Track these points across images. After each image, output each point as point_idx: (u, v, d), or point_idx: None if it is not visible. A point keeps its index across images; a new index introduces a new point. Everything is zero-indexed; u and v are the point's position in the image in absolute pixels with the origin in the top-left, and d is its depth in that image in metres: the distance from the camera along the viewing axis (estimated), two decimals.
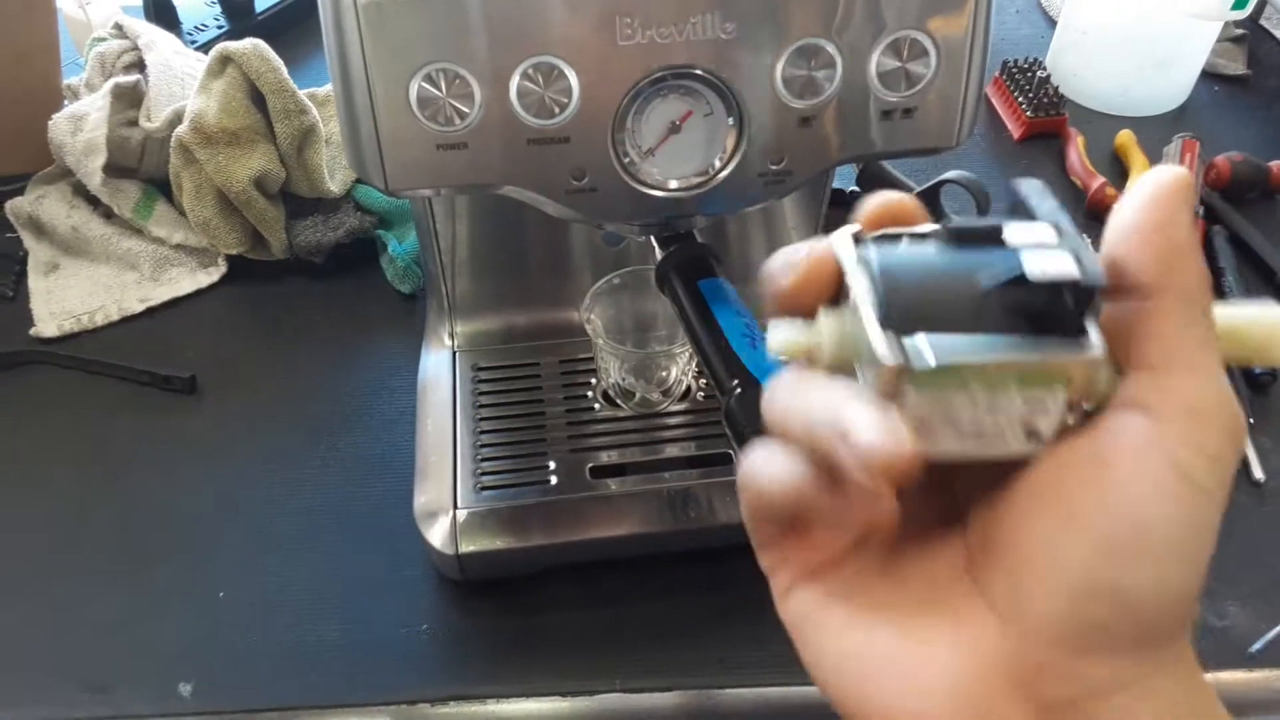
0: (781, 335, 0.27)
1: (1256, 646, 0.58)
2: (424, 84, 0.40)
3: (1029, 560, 0.26)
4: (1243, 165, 0.86)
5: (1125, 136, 0.92)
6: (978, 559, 0.27)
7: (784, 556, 0.30)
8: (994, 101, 1.00)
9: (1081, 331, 0.25)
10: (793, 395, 0.27)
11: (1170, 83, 0.99)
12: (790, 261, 0.28)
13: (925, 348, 0.24)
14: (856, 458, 0.23)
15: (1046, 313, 0.25)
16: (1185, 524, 0.24)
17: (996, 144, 0.96)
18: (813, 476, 0.26)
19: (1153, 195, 0.25)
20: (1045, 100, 0.94)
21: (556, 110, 0.41)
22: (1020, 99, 0.96)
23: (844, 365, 0.26)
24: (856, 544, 0.29)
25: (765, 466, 0.27)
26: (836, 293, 0.27)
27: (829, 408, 0.25)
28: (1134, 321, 0.25)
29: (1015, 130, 0.96)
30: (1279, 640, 0.58)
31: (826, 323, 0.26)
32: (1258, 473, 0.66)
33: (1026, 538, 0.26)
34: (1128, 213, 0.25)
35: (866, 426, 0.23)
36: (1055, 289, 0.24)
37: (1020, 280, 0.24)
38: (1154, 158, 0.90)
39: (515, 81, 0.40)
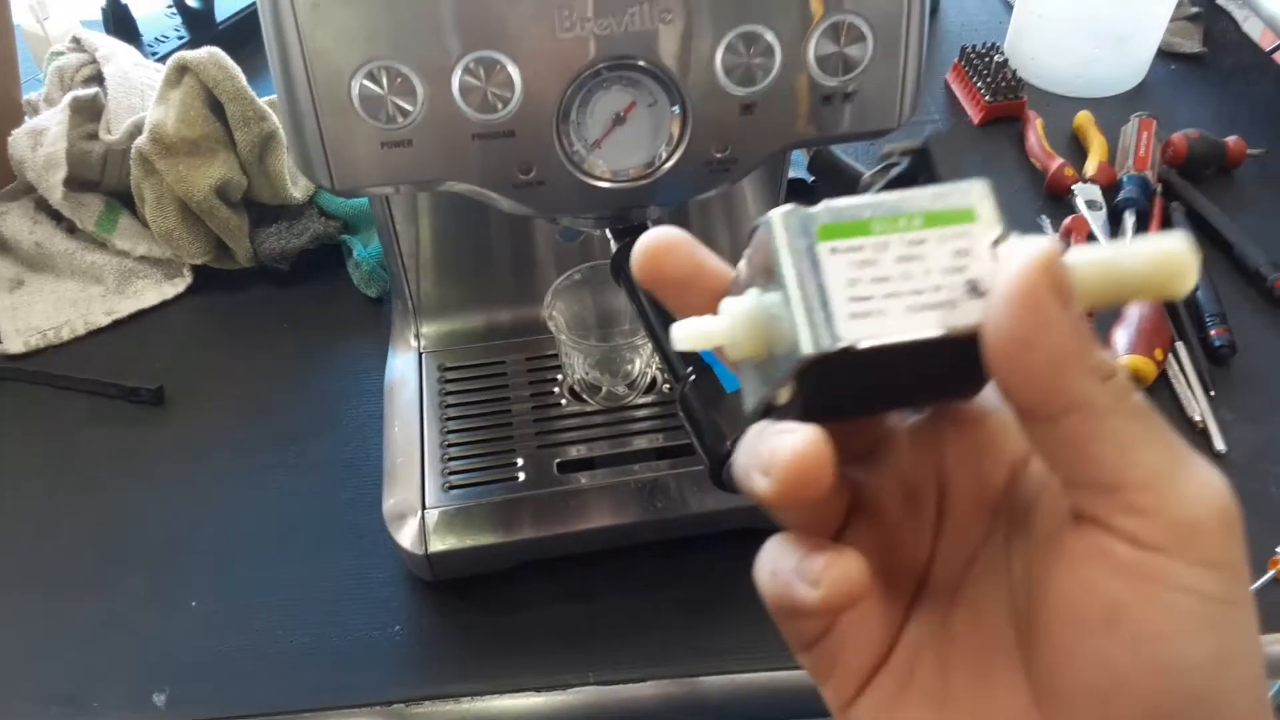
0: (687, 329, 0.26)
1: None
2: (366, 82, 0.40)
3: (1074, 711, 0.24)
4: (1199, 142, 0.87)
5: (1083, 117, 0.93)
6: (1025, 643, 0.26)
7: (828, 658, 0.28)
8: (954, 88, 1.01)
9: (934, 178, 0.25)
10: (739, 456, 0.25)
11: (1127, 62, 1.00)
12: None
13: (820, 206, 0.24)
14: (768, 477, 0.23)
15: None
16: (1223, 648, 0.22)
17: (957, 129, 0.96)
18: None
19: (1009, 303, 0.21)
20: (1003, 84, 0.95)
21: (500, 105, 0.41)
22: (979, 84, 0.96)
23: (757, 346, 0.25)
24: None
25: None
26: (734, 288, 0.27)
27: (749, 449, 0.24)
28: (1064, 448, 0.22)
29: (975, 115, 0.96)
30: None
31: (729, 305, 0.26)
32: (1219, 444, 0.67)
33: (1072, 680, 0.24)
34: (991, 332, 0.22)
35: (777, 447, 0.23)
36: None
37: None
38: (1112, 137, 0.91)
39: (457, 77, 0.41)
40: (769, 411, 0.26)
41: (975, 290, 0.23)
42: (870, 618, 0.27)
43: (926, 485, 0.28)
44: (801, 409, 0.24)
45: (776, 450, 0.23)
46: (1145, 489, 0.22)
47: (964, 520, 0.27)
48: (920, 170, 0.27)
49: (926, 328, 0.23)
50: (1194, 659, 0.22)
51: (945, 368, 0.25)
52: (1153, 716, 0.22)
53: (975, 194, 0.24)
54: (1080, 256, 0.25)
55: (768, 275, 0.25)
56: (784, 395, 0.25)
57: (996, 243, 0.24)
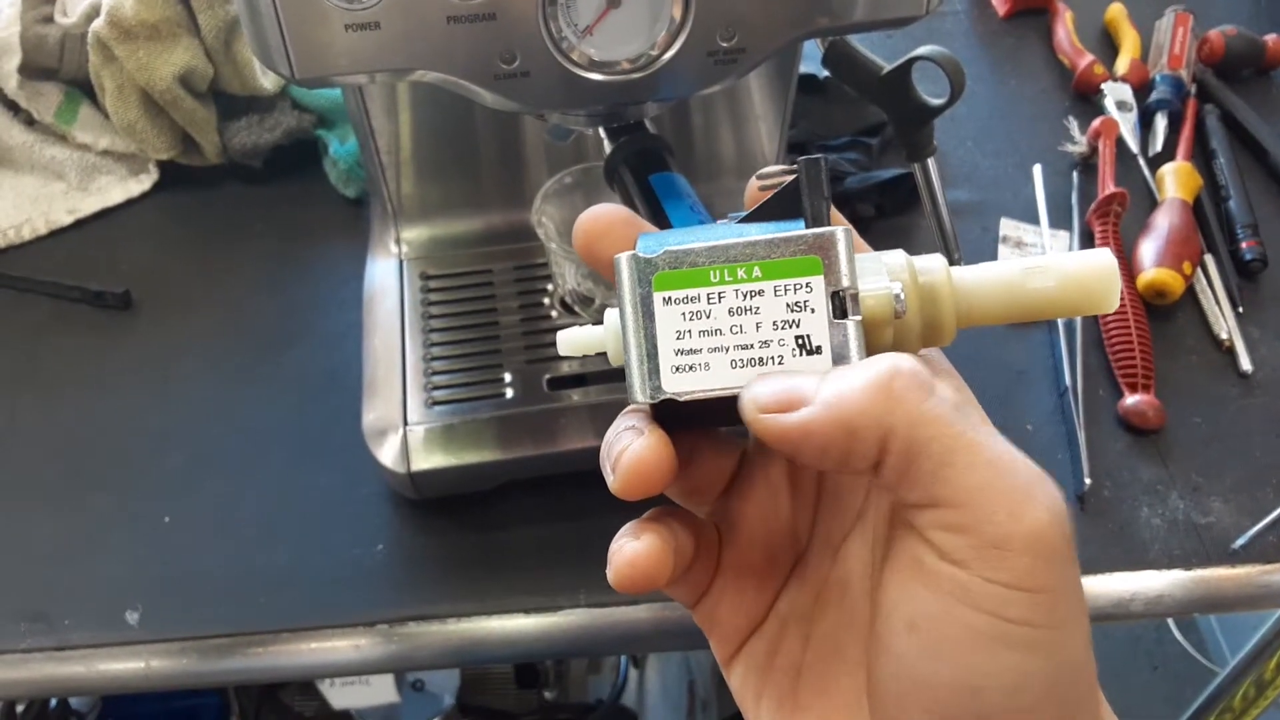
0: (569, 336, 0.28)
1: (1240, 542, 0.56)
2: None
3: (882, 704, 0.25)
4: (1237, 40, 0.82)
5: (1116, 10, 0.88)
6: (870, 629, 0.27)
7: (707, 617, 0.30)
8: None
9: (801, 215, 0.26)
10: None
11: None
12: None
13: (654, 244, 0.26)
14: (615, 475, 0.25)
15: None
16: (1019, 672, 0.22)
17: (980, 22, 0.90)
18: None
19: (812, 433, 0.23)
20: None
21: None
22: None
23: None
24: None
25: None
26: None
27: (609, 440, 0.26)
28: (892, 477, 0.23)
29: (1000, 7, 0.91)
30: (1263, 535, 0.56)
31: (609, 315, 0.27)
32: (1245, 364, 0.63)
33: (881, 673, 0.25)
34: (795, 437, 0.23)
35: (624, 448, 0.25)
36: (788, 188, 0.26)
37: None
38: (1145, 32, 0.85)
39: None
40: None
41: (803, 348, 0.25)
42: (746, 584, 0.29)
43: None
44: (654, 417, 0.26)
45: (621, 454, 0.25)
46: (958, 506, 0.22)
47: (841, 496, 0.29)
48: (790, 203, 0.25)
49: (745, 384, 0.25)
50: (982, 683, 0.22)
51: None
52: None
53: (827, 243, 0.25)
54: (979, 275, 0.26)
55: None
56: None
57: (838, 295, 0.24)
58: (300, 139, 0.75)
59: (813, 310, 0.25)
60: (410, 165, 0.61)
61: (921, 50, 0.45)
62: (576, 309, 0.61)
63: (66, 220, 0.73)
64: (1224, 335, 0.65)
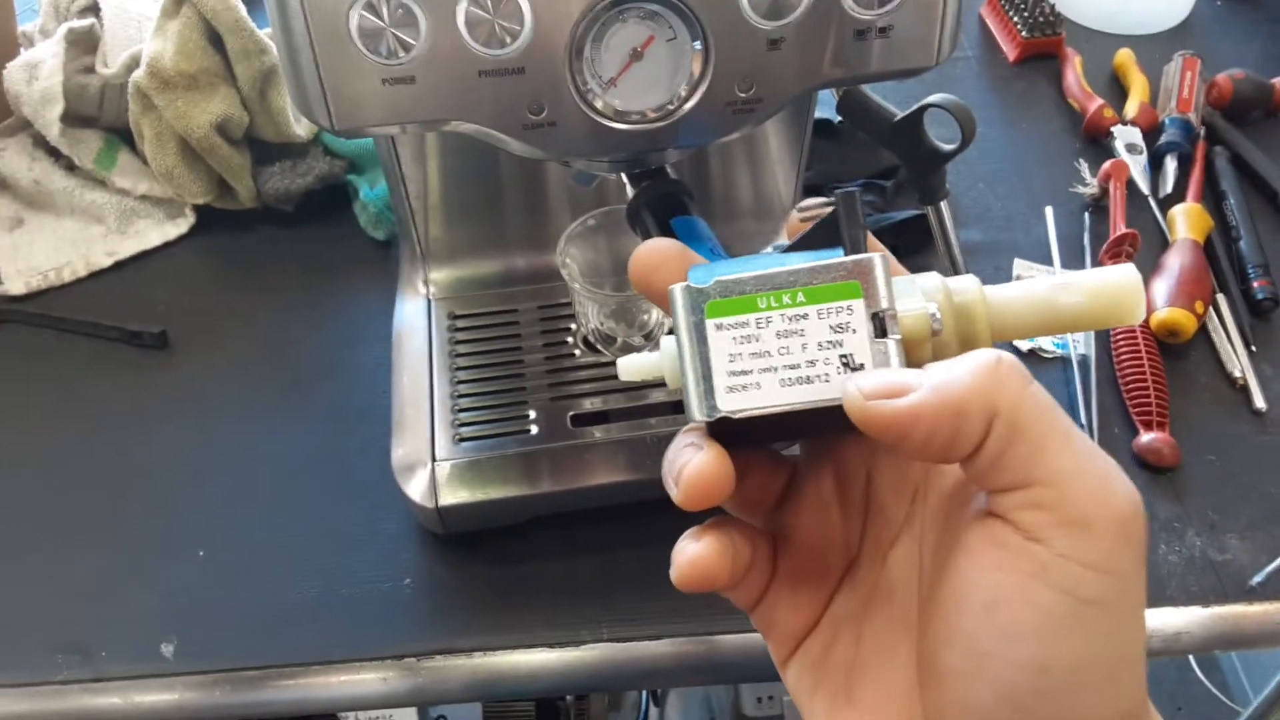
0: (629, 363, 0.31)
1: (1257, 579, 0.56)
2: (364, 13, 0.37)
3: (942, 686, 0.26)
4: (1245, 83, 0.83)
5: (1124, 56, 0.89)
6: (921, 623, 0.28)
7: (765, 620, 0.32)
8: (988, 22, 0.96)
9: (840, 244, 0.28)
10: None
11: None
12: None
13: (705, 275, 0.28)
14: (679, 489, 0.27)
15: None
16: (1085, 652, 0.23)
17: (991, 66, 0.92)
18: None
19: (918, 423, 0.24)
20: (1041, 20, 0.91)
21: (508, 39, 0.38)
22: (1015, 19, 0.92)
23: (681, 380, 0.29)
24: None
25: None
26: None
27: (670, 455, 0.29)
28: (988, 460, 0.24)
29: (1010, 52, 0.92)
30: (1279, 573, 0.56)
31: (666, 343, 0.29)
32: (1259, 401, 0.64)
33: (945, 657, 0.26)
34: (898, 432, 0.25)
35: (685, 462, 0.27)
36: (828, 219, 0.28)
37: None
38: (1154, 77, 0.86)
39: (462, 8, 0.38)
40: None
41: (847, 365, 0.26)
42: (800, 589, 0.31)
43: (857, 473, 0.31)
44: (710, 434, 0.28)
45: (683, 468, 0.27)
46: (1049, 485, 0.23)
47: (887, 507, 0.30)
48: (832, 233, 0.28)
49: (796, 400, 0.27)
50: (1051, 661, 0.23)
51: (825, 420, 0.27)
52: (1006, 703, 0.24)
53: (865, 269, 0.27)
54: (1011, 294, 0.28)
55: None
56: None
57: (878, 315, 0.26)
58: (331, 184, 0.77)
59: (854, 331, 0.26)
60: (439, 209, 0.63)
61: (933, 98, 0.46)
62: (599, 347, 0.62)
63: (106, 262, 0.75)
64: (1237, 373, 0.65)
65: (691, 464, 0.27)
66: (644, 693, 1.08)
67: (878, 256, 0.27)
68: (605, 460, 0.57)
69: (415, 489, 0.56)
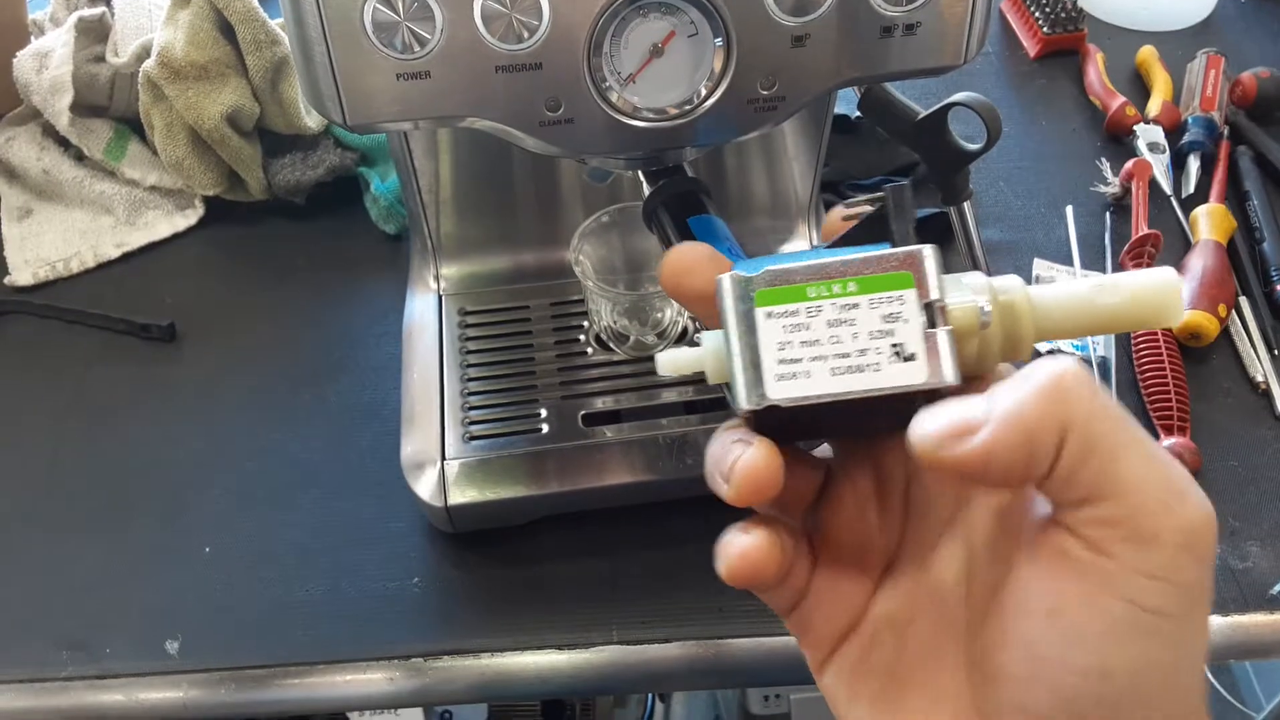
0: (669, 358, 0.30)
1: (1278, 588, 0.56)
2: (379, 6, 0.36)
3: (997, 690, 0.26)
4: (1269, 82, 0.82)
5: (1147, 53, 0.88)
6: (973, 627, 0.28)
7: (802, 623, 0.31)
8: (1009, 18, 0.95)
9: (884, 239, 0.28)
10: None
11: None
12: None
13: (753, 267, 0.27)
14: (729, 485, 0.27)
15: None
16: (1146, 660, 0.23)
17: (1011, 63, 0.91)
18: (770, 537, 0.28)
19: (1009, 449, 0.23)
20: (1063, 16, 0.90)
21: (526, 34, 0.37)
22: (1036, 14, 0.91)
23: (725, 374, 0.29)
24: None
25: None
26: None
27: (716, 455, 0.28)
28: (1059, 471, 0.24)
29: (1031, 48, 0.91)
30: None
31: (706, 338, 0.29)
32: None
33: (1003, 661, 0.26)
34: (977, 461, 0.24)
35: (737, 458, 0.26)
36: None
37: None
38: (1177, 75, 0.85)
39: (479, 2, 0.37)
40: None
41: (899, 355, 0.26)
42: (839, 591, 0.30)
43: (895, 472, 0.30)
44: (756, 429, 0.28)
45: (734, 463, 0.27)
46: (1119, 499, 0.23)
47: (929, 508, 0.30)
48: (878, 228, 0.29)
49: (846, 389, 0.26)
50: (1112, 668, 0.23)
51: (875, 412, 0.27)
52: (1064, 709, 0.24)
53: (917, 260, 0.27)
54: (1054, 294, 0.28)
55: None
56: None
57: (929, 306, 0.26)
58: (342, 176, 0.76)
59: (907, 320, 0.26)
60: (450, 204, 0.62)
61: (958, 96, 0.45)
62: (612, 345, 0.61)
63: (114, 254, 0.75)
64: (1259, 378, 0.64)
65: (744, 459, 0.26)
66: None
67: (929, 248, 0.27)
68: (617, 461, 0.56)
69: (424, 487, 0.55)
